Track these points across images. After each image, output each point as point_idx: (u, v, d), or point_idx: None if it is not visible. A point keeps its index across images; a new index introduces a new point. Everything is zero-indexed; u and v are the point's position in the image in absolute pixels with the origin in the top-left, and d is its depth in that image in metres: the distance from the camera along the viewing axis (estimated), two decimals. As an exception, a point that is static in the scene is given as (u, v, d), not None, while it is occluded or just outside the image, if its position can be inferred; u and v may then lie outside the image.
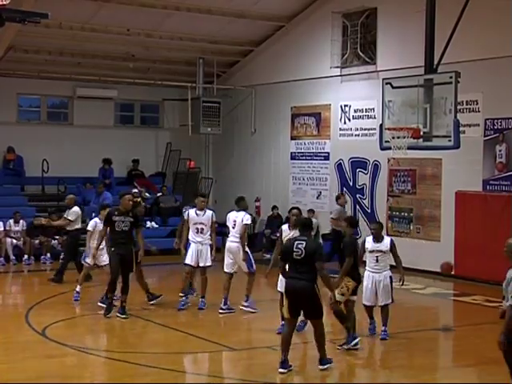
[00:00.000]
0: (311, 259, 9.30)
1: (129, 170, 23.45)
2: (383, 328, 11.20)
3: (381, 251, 11.21)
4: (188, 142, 23.38)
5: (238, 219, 13.03)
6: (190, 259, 13.13)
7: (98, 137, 22.93)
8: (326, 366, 9.53)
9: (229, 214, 13.30)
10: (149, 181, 23.41)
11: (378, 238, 11.27)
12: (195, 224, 13.18)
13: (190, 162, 23.98)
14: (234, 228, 13.06)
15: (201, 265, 13.16)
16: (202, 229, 13.17)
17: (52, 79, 21.80)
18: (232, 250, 13.04)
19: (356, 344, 10.54)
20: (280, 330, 10.72)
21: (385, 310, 11.28)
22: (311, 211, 19.87)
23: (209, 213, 13.28)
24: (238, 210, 13.24)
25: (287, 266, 9.58)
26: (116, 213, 12.59)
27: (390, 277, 11.22)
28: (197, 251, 13.12)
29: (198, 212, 13.25)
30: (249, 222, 13.25)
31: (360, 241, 11.74)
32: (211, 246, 13.23)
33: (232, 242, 13.06)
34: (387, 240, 11.32)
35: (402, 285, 11.29)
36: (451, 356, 11.61)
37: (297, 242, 9.46)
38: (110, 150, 22.67)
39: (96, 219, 13.87)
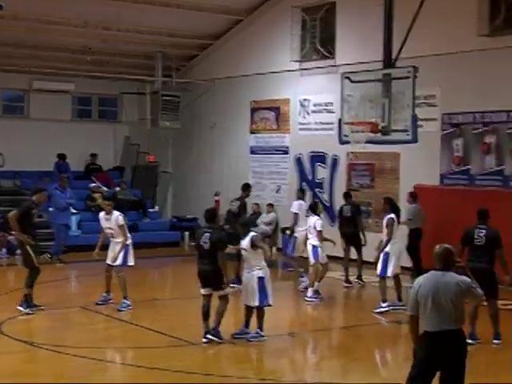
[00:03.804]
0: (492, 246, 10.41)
1: (86, 164, 23.19)
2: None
3: (244, 250, 10.73)
4: (147, 136, 23.22)
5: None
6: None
7: (55, 131, 22.62)
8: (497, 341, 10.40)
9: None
10: (107, 175, 23.18)
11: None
12: (105, 229, 12.76)
13: (149, 156, 23.82)
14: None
15: (111, 263, 12.70)
16: (112, 233, 12.70)
17: (8, 72, 21.44)
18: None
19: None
20: None
21: (258, 312, 10.74)
22: (270, 205, 19.86)
23: (115, 216, 12.68)
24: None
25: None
26: (33, 205, 12.35)
27: (259, 277, 10.55)
28: (111, 249, 12.73)
29: (105, 216, 12.78)
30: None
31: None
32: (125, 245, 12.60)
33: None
34: (248, 237, 10.65)
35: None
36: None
37: (478, 231, 10.39)
38: (68, 144, 22.38)
39: None
